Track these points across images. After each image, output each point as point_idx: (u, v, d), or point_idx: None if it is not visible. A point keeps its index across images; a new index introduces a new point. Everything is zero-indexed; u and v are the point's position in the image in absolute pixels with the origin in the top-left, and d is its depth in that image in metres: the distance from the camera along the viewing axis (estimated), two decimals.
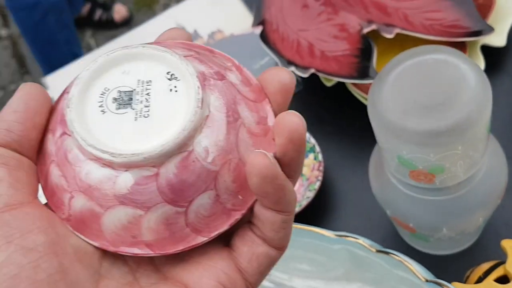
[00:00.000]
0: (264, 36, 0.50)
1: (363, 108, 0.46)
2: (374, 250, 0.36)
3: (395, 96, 0.31)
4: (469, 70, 0.31)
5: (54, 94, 0.60)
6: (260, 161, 0.18)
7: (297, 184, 0.48)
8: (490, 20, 0.46)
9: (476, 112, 0.30)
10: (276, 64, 0.55)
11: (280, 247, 0.21)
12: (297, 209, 0.45)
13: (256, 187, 0.19)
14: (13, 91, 1.31)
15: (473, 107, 0.30)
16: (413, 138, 0.30)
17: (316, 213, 0.46)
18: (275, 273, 0.42)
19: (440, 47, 0.32)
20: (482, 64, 0.45)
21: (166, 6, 1.52)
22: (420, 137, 0.30)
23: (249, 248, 0.20)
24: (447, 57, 0.31)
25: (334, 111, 0.51)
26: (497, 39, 0.46)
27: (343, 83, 0.49)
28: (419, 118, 0.30)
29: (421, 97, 0.31)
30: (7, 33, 1.62)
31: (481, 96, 0.30)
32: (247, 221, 0.21)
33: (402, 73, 0.32)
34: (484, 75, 0.31)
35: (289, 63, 0.47)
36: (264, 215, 0.20)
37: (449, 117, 0.29)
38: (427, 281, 0.33)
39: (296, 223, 0.40)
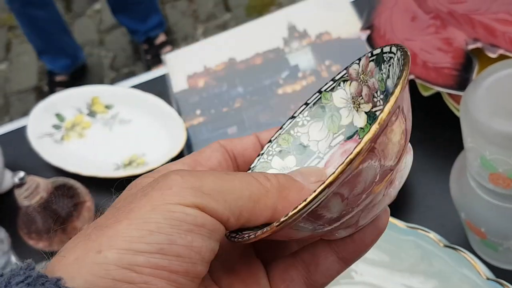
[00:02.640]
0: (370, 40, 0.53)
1: (455, 119, 0.48)
2: (442, 244, 0.38)
3: (487, 98, 0.34)
4: None
5: (170, 70, 0.67)
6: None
7: None
8: None
9: None
10: None
11: None
12: None
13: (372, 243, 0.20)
14: (125, 74, 1.45)
15: None
16: (497, 139, 0.32)
17: (392, 210, 0.48)
18: None
19: None
20: None
21: None
22: (504, 139, 0.32)
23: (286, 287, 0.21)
24: None
25: (426, 120, 0.53)
26: None
27: (439, 95, 0.51)
28: (506, 120, 0.32)
29: (511, 103, 0.33)
30: None
31: None
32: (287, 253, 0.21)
33: (497, 79, 0.34)
34: None
35: None
36: (330, 265, 0.20)
37: None
38: (488, 279, 0.34)
39: None
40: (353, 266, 0.44)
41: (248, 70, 0.64)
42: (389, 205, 0.43)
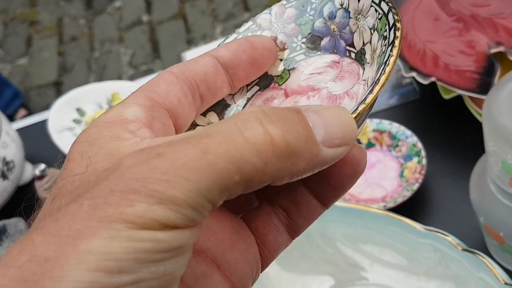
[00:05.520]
0: None
1: (476, 124, 0.47)
2: (460, 248, 0.38)
3: (510, 101, 0.33)
4: None
5: None
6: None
7: (395, 184, 0.50)
8: None
9: None
10: (398, 70, 0.58)
11: (295, 237, 0.19)
12: (392, 204, 0.47)
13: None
14: (144, 72, 1.46)
15: None
16: None
17: (410, 213, 0.48)
18: (358, 257, 0.44)
19: None
20: None
21: None
22: None
23: (274, 237, 0.18)
24: None
25: (447, 124, 0.52)
26: None
27: (460, 98, 0.51)
28: None
29: None
30: (148, 19, 1.79)
31: None
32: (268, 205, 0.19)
33: None
34: None
35: (411, 69, 0.50)
36: (312, 209, 0.18)
37: None
38: (506, 284, 0.34)
39: (391, 212, 0.42)
40: (368, 267, 0.44)
41: None
42: (408, 208, 0.41)
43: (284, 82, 0.21)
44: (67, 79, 1.68)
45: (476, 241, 0.45)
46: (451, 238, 0.38)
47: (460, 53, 0.49)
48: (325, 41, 0.21)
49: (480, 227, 0.41)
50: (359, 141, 0.53)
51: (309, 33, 0.22)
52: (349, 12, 0.21)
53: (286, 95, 0.21)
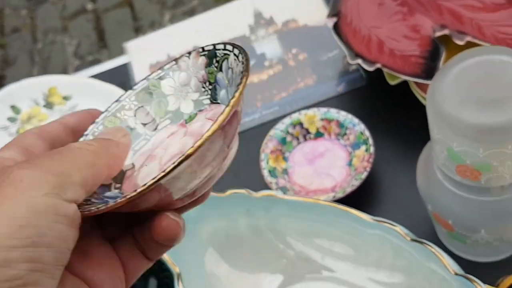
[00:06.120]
0: (336, 28, 0.52)
1: (422, 109, 0.47)
2: (409, 238, 0.37)
3: (455, 88, 0.32)
4: None
5: (132, 59, 0.65)
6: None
7: (344, 173, 0.49)
8: None
9: None
10: (344, 57, 0.57)
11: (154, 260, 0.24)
12: (341, 195, 0.46)
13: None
14: (90, 62, 1.40)
15: None
16: (465, 130, 0.31)
17: (359, 203, 0.48)
18: (310, 250, 0.43)
19: (507, 49, 0.33)
20: None
21: None
22: (472, 130, 0.31)
23: (135, 264, 0.23)
24: (511, 59, 0.32)
25: (393, 110, 0.52)
26: None
27: (406, 84, 0.50)
28: (474, 111, 0.31)
29: (480, 93, 0.32)
30: (92, 7, 1.72)
31: None
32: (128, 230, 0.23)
33: (465, 68, 0.33)
34: None
35: (357, 55, 0.49)
36: (156, 249, 0.23)
37: (502, 115, 0.30)
38: (456, 274, 0.34)
39: (339, 204, 0.41)
40: (319, 260, 0.43)
41: None
42: (357, 197, 0.42)
43: (190, 121, 0.25)
44: (10, 72, 1.59)
45: (426, 229, 0.44)
46: (399, 229, 0.37)
47: (405, 37, 0.48)
48: (223, 92, 0.25)
49: (429, 215, 0.41)
50: (308, 131, 0.52)
51: (213, 82, 0.25)
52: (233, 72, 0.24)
53: (185, 133, 0.25)
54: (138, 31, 1.56)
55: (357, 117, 0.52)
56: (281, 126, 0.52)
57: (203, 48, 0.25)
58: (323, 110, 0.51)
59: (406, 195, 0.46)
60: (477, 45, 0.46)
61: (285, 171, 0.50)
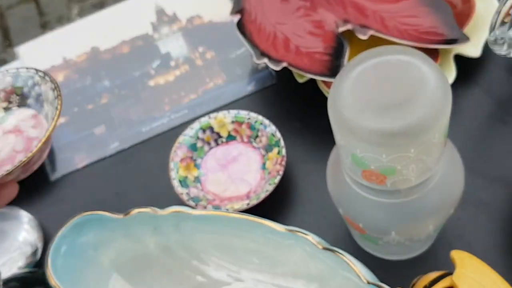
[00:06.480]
0: (240, 25, 0.49)
1: None
2: (321, 247, 0.36)
3: (355, 93, 0.31)
4: (431, 73, 0.30)
5: (24, 63, 0.59)
6: None
7: (258, 177, 0.47)
8: (467, 30, 0.46)
9: (431, 116, 0.29)
10: (251, 55, 0.55)
11: None
12: (255, 201, 0.44)
13: None
14: None
15: (428, 111, 0.29)
16: (366, 136, 0.30)
17: (274, 207, 0.46)
18: (225, 264, 0.41)
19: (405, 48, 0.32)
20: (453, 73, 0.45)
21: None
22: (373, 136, 0.30)
23: None
24: (410, 58, 0.31)
25: (304, 108, 0.50)
26: (472, 50, 0.46)
27: (315, 81, 0.49)
28: (375, 117, 0.30)
29: (380, 97, 0.31)
30: None
31: (439, 101, 0.30)
32: None
33: (364, 71, 0.32)
34: (446, 81, 0.31)
35: (263, 54, 0.47)
36: None
37: (403, 118, 0.29)
38: (368, 283, 0.33)
39: (251, 215, 0.39)
40: (235, 274, 0.41)
41: (115, 61, 0.58)
42: (272, 203, 0.41)
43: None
44: None
45: (342, 230, 0.43)
46: (311, 237, 0.36)
47: (309, 34, 0.47)
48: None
49: (342, 218, 0.40)
50: (219, 135, 0.49)
51: None
52: None
53: None
54: (45, 26, 1.47)
55: (268, 117, 0.50)
56: (190, 131, 0.49)
57: None
58: (233, 112, 0.49)
59: (321, 197, 0.45)
60: (381, 39, 0.46)
61: (197, 179, 0.48)
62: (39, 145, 0.34)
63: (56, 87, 0.36)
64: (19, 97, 0.38)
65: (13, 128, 0.38)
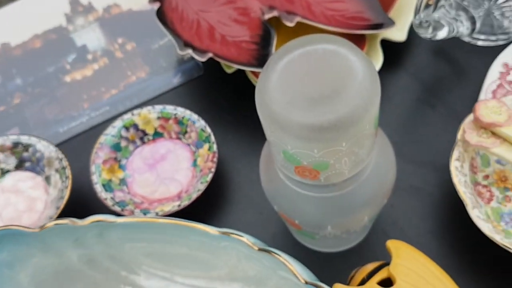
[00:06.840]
0: (161, 14, 0.46)
1: None
2: (256, 248, 0.34)
3: (282, 86, 0.29)
4: (358, 63, 0.29)
5: None
6: None
7: (189, 175, 0.45)
8: (392, 14, 0.45)
9: (361, 108, 0.28)
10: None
11: None
12: (187, 202, 0.42)
13: None
14: None
15: (358, 103, 0.28)
16: (297, 131, 0.28)
17: (208, 207, 0.44)
18: (157, 272, 0.39)
19: (331, 36, 0.31)
20: (380, 58, 0.44)
21: None
22: (303, 131, 0.28)
23: None
24: (337, 47, 0.30)
25: (234, 100, 0.48)
26: (398, 34, 0.45)
27: (244, 71, 0.47)
28: (304, 111, 0.28)
29: (308, 89, 0.29)
30: None
31: (368, 91, 0.29)
32: None
33: (290, 62, 0.30)
34: (374, 70, 0.30)
35: (186, 45, 0.44)
36: None
37: (333, 111, 0.28)
38: (306, 283, 0.32)
39: (182, 219, 0.37)
40: (168, 282, 0.39)
41: (26, 56, 0.53)
42: (205, 203, 0.39)
43: None
44: None
45: (279, 225, 0.42)
46: (245, 239, 0.34)
47: (235, 22, 0.44)
48: None
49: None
50: (145, 133, 0.46)
51: None
52: None
53: None
54: None
55: (197, 112, 0.48)
56: (112, 130, 0.45)
57: None
58: (159, 107, 0.46)
59: (256, 192, 0.44)
60: (309, 26, 0.44)
61: (123, 182, 0.45)
62: None
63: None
64: None
65: None
